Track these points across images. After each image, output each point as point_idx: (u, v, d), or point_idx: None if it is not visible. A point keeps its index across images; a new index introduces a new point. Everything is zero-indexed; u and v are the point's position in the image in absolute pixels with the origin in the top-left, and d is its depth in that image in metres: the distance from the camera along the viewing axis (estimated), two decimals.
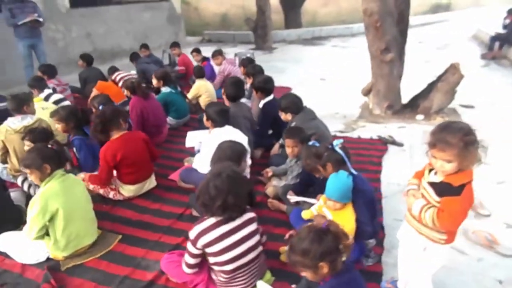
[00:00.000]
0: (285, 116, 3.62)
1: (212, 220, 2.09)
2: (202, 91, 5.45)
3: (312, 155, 2.60)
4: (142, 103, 4.29)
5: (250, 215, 2.20)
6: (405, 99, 5.45)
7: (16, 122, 3.42)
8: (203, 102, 5.41)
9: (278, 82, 7.19)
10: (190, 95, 5.48)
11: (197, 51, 6.97)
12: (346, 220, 2.29)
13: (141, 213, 3.13)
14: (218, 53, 6.32)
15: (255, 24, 11.08)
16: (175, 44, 7.44)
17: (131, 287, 2.34)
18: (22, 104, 3.49)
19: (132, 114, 4.23)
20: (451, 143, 1.65)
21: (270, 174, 3.43)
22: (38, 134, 3.03)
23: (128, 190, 3.25)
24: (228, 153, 2.61)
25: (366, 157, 4.05)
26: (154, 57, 7.31)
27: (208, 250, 2.07)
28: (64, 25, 8.27)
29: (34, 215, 2.37)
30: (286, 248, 2.56)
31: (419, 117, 5.21)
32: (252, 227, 2.19)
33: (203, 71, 5.57)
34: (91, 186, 3.24)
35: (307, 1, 14.52)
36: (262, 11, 10.80)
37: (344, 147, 2.48)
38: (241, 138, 3.36)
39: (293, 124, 3.54)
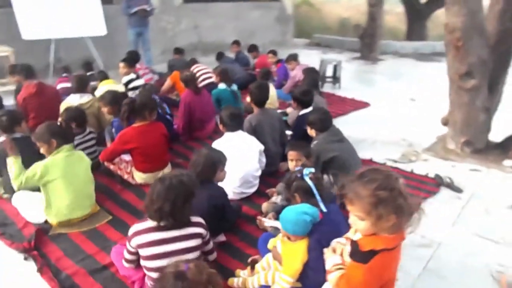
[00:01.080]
0: (310, 131, 3.36)
1: (149, 224, 2.07)
2: None
3: (285, 182, 2.35)
4: (192, 97, 4.47)
5: (195, 230, 2.12)
6: (497, 137, 4.50)
7: (75, 100, 3.93)
8: None
9: (362, 95, 6.71)
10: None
11: (273, 52, 6.95)
12: (292, 257, 2.02)
13: (142, 200, 3.27)
14: (292, 58, 6.18)
15: (364, 31, 10.46)
16: (254, 48, 7.55)
17: (88, 266, 2.48)
18: (82, 84, 3.99)
19: (181, 106, 4.45)
20: (360, 195, 1.30)
21: (273, 192, 3.22)
22: (69, 112, 3.43)
23: (140, 177, 3.44)
24: (201, 160, 2.54)
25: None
26: (242, 54, 7.52)
27: (140, 251, 2.07)
28: (175, 17, 9.11)
29: (30, 175, 2.69)
30: (241, 272, 2.42)
31: (508, 162, 4.24)
32: (193, 242, 2.10)
33: (267, 75, 5.52)
34: (111, 166, 3.53)
35: (441, 13, 13.02)
36: (372, 18, 10.12)
37: (317, 177, 2.18)
38: (254, 146, 3.24)
39: (315, 142, 3.26)
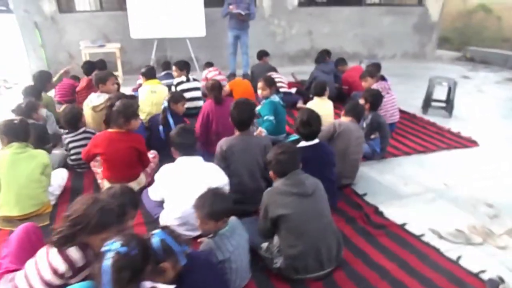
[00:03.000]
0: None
1: None
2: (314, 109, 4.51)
3: None
4: (211, 107, 4.04)
5: None
6: None
7: (93, 98, 4.05)
8: None
9: (478, 131, 4.93)
10: None
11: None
12: None
13: None
14: (368, 74, 4.99)
15: None
16: (342, 61, 6.45)
17: None
18: (97, 83, 4.08)
19: (199, 116, 4.09)
20: None
21: None
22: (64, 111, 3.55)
23: (107, 185, 3.25)
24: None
25: None
26: (332, 65, 6.59)
27: None
28: (287, 22, 8.71)
29: None
30: None
31: None
32: None
33: (323, 89, 4.59)
34: (93, 168, 3.46)
35: None
36: None
37: (171, 230, 1.68)
38: (209, 178, 2.61)
39: (266, 190, 2.42)
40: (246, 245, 2.23)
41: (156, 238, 1.69)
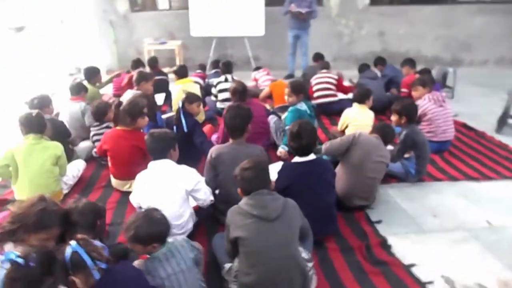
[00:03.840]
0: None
1: None
2: (350, 119, 4.12)
3: None
4: None
5: None
6: None
7: (128, 94, 4.23)
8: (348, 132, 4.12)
9: None
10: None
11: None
12: None
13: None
14: (419, 83, 4.35)
15: None
16: (409, 62, 5.70)
17: None
18: (137, 81, 4.24)
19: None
20: None
21: None
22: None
23: (112, 180, 3.37)
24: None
25: None
26: (390, 69, 5.96)
27: None
28: (356, 21, 8.14)
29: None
30: None
31: None
32: None
33: (365, 96, 4.14)
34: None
35: None
36: None
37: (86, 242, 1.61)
38: (178, 183, 2.54)
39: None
40: (192, 269, 2.07)
41: (69, 250, 1.64)
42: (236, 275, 2.15)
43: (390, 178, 3.61)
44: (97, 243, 1.79)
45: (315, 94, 5.41)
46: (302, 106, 3.98)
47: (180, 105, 3.70)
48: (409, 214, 3.13)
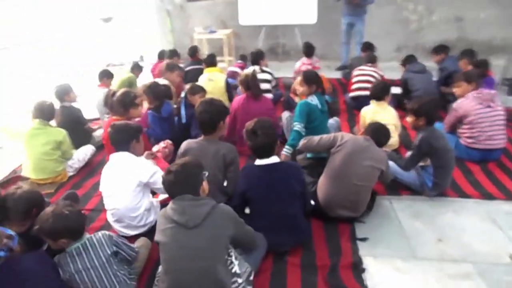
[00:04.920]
0: None
1: None
2: (368, 118, 3.65)
3: None
4: (243, 103, 3.73)
5: None
6: None
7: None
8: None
9: None
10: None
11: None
12: None
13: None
14: (464, 77, 3.60)
15: None
16: (469, 53, 4.75)
17: None
18: (166, 69, 4.34)
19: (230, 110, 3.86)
20: None
21: None
22: None
23: None
24: None
25: None
26: (451, 61, 5.09)
27: None
28: (426, 6, 7.16)
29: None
30: None
31: None
32: None
33: (383, 91, 3.60)
34: None
35: None
36: None
37: None
38: (132, 175, 2.51)
39: None
40: (109, 265, 2.00)
41: None
42: (158, 280, 2.04)
43: (402, 189, 3.11)
44: (4, 230, 1.82)
45: (353, 86, 4.93)
46: (314, 100, 3.60)
47: (183, 95, 3.65)
48: (406, 234, 2.64)
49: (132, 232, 2.61)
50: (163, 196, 2.81)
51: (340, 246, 2.51)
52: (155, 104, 3.67)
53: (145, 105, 3.66)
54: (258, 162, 2.36)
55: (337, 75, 6.52)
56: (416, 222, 2.76)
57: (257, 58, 5.02)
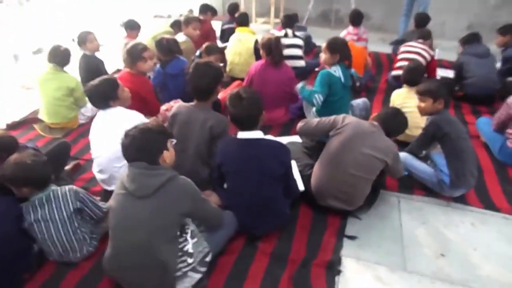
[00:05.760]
0: None
1: None
2: (396, 104, 3.21)
3: None
4: (261, 70, 3.44)
5: None
6: None
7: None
8: None
9: None
10: None
11: None
12: None
13: None
14: None
15: None
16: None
17: None
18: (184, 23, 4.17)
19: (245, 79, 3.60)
20: None
21: None
22: None
23: None
24: None
25: None
26: None
27: None
28: None
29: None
30: None
31: None
32: None
33: (417, 75, 3.09)
34: None
35: None
36: None
37: None
38: (117, 125, 2.39)
39: None
40: (69, 221, 1.96)
41: None
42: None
43: (418, 188, 2.72)
44: None
45: (397, 64, 4.38)
46: (337, 71, 3.20)
47: (197, 54, 3.44)
48: (404, 241, 2.30)
49: (112, 188, 2.55)
50: None
51: (322, 241, 2.25)
52: (164, 59, 3.53)
53: None
54: (240, 134, 2.12)
55: (390, 49, 5.87)
56: (420, 229, 2.40)
57: (290, 21, 4.63)
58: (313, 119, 2.52)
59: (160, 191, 1.72)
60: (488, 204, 2.61)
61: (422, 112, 2.62)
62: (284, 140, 3.22)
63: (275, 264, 2.10)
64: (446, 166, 2.51)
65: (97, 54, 3.97)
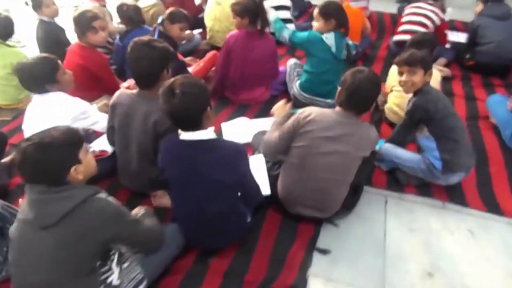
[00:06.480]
0: None
1: None
2: (393, 80, 2.75)
3: None
4: (242, 39, 2.91)
5: None
6: None
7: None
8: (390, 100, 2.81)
9: None
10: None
11: None
12: None
13: None
14: None
15: None
16: None
17: None
18: None
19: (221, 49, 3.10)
20: None
21: None
22: None
23: None
24: None
25: None
26: None
27: None
28: None
29: None
30: None
31: None
32: None
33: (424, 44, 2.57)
34: None
35: None
36: None
37: None
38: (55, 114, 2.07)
39: None
40: None
41: None
42: None
43: (410, 185, 2.31)
44: None
45: (400, 28, 3.81)
46: (329, 39, 2.70)
47: (159, 21, 2.93)
48: (387, 254, 1.94)
49: None
50: (99, 147, 2.30)
51: (287, 255, 1.90)
52: (125, 30, 3.07)
53: None
54: (182, 135, 1.70)
55: (395, 9, 5.18)
56: (406, 238, 2.03)
57: None
58: (272, 134, 2.04)
59: (69, 217, 1.34)
60: (492, 207, 2.21)
61: (412, 88, 2.15)
62: (259, 124, 2.82)
63: (228, 286, 1.77)
64: (437, 149, 2.09)
65: (56, 20, 3.49)
